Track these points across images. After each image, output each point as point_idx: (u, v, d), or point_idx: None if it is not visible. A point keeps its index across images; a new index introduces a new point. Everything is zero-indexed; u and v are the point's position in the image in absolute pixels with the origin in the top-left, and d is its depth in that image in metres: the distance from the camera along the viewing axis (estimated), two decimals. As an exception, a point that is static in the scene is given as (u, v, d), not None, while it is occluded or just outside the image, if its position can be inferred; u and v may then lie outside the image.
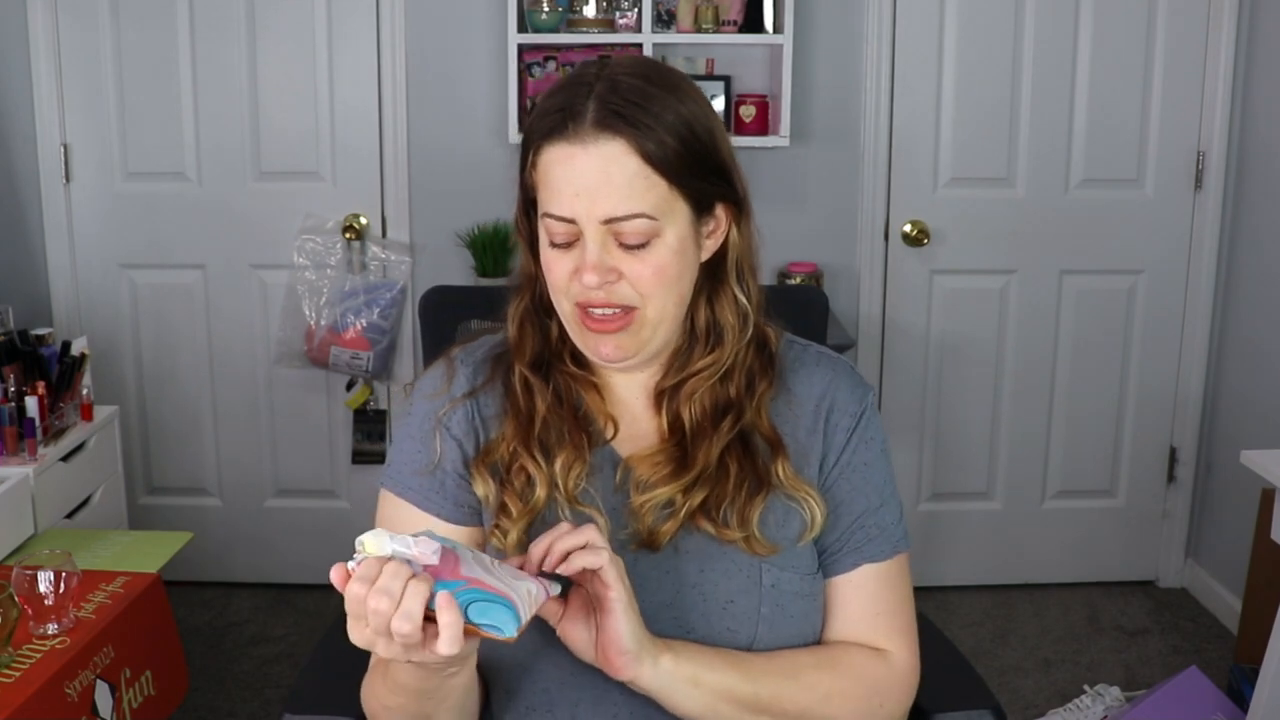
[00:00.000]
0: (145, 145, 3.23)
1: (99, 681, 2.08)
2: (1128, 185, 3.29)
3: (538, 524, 1.18)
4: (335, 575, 0.98)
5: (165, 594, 2.38)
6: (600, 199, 1.12)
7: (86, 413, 2.77)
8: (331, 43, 3.19)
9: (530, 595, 1.02)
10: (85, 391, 2.77)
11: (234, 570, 3.44)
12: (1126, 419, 3.42)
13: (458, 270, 3.22)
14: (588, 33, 3.09)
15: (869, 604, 1.24)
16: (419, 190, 3.25)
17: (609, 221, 1.13)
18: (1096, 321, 3.36)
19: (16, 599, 1.97)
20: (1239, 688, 2.62)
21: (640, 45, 3.05)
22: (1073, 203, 3.29)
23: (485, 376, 1.26)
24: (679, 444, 1.21)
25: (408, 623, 0.94)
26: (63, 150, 3.22)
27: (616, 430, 1.23)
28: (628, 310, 1.16)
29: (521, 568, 1.07)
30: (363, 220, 3.26)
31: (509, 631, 0.98)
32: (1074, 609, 3.36)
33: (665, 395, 1.24)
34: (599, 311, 1.16)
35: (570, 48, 3.10)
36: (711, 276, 1.23)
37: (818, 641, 1.23)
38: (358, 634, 0.98)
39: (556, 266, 1.16)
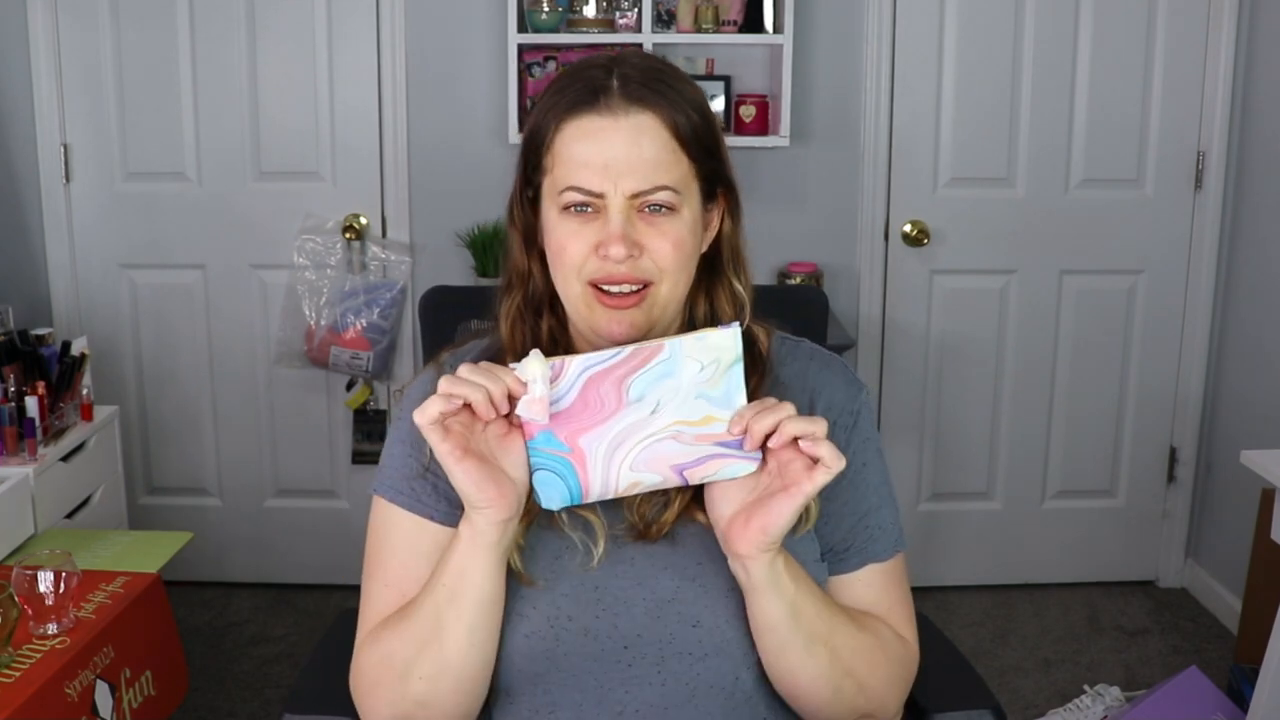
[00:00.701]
0: (145, 145, 3.23)
1: (99, 681, 2.08)
2: (1128, 185, 3.29)
3: (534, 525, 1.18)
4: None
5: (165, 594, 2.38)
6: (630, 171, 1.13)
7: (86, 413, 2.77)
8: (331, 43, 3.19)
9: (637, 484, 1.11)
10: (85, 391, 2.77)
11: (234, 570, 3.44)
12: (1126, 419, 3.42)
13: (458, 270, 3.22)
14: (588, 33, 3.09)
15: (879, 600, 1.25)
16: (419, 190, 3.25)
17: (636, 195, 1.14)
18: (1096, 321, 3.36)
19: (16, 599, 1.97)
20: (1239, 688, 2.62)
21: (640, 45, 3.05)
22: (1073, 203, 3.29)
23: None
24: None
25: (497, 384, 1.06)
26: (63, 150, 3.22)
27: None
28: (644, 286, 1.17)
29: (744, 433, 1.09)
30: (363, 220, 3.26)
31: (544, 504, 1.12)
32: (1074, 609, 3.36)
33: None
34: (614, 289, 1.16)
35: (570, 48, 3.10)
36: (709, 269, 1.24)
37: None
38: (435, 406, 1.05)
39: (573, 243, 1.16)
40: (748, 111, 3.15)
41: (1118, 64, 3.21)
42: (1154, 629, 3.26)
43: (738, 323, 1.12)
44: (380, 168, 3.25)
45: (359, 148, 3.24)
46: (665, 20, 3.13)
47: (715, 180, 1.21)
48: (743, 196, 1.25)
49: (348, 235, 3.23)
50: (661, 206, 1.15)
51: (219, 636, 3.18)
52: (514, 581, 1.16)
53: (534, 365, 1.07)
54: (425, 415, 1.06)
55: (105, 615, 2.14)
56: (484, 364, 1.09)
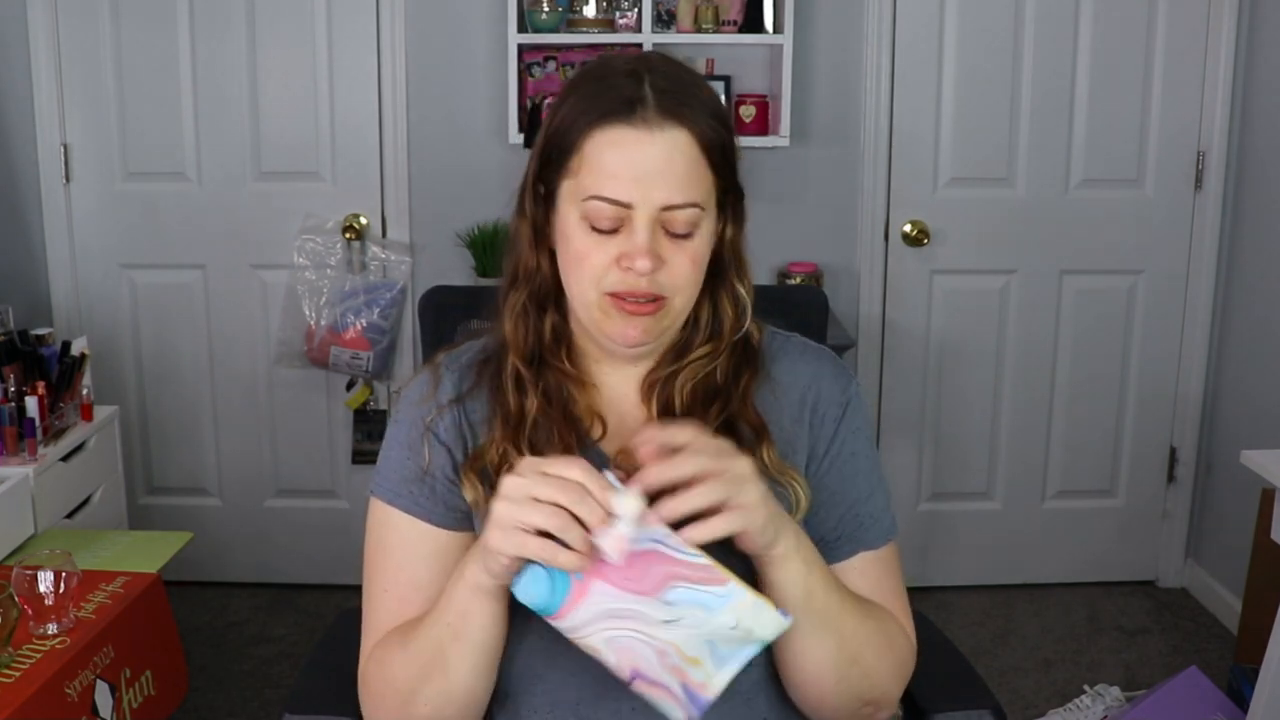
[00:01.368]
0: (145, 145, 3.23)
1: (99, 681, 2.08)
2: (1128, 185, 3.29)
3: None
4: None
5: (165, 594, 2.38)
6: (661, 185, 1.13)
7: (86, 413, 2.77)
8: (331, 43, 3.19)
9: (597, 652, 1.06)
10: (85, 391, 2.77)
11: (234, 570, 3.44)
12: (1126, 419, 3.42)
13: (458, 270, 3.22)
14: (588, 33, 3.09)
15: (875, 589, 1.25)
16: (419, 190, 3.25)
17: (666, 209, 1.14)
18: (1096, 321, 3.36)
19: (16, 599, 1.97)
20: (1239, 688, 2.62)
21: (640, 45, 3.05)
22: (1073, 203, 3.29)
23: (471, 382, 1.26)
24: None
25: (593, 512, 1.00)
26: (63, 150, 3.22)
27: (605, 430, 1.23)
28: (658, 299, 1.17)
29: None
30: (363, 220, 3.26)
31: (516, 591, 1.05)
32: (1074, 609, 3.36)
33: (657, 385, 1.25)
34: (633, 297, 1.16)
35: (570, 48, 3.10)
36: (711, 272, 1.23)
37: None
38: (534, 517, 1.01)
39: (595, 253, 1.16)
40: (748, 111, 3.15)
41: (1118, 64, 3.21)
42: (1154, 629, 3.26)
43: (791, 618, 1.07)
44: (380, 168, 3.25)
45: (359, 148, 3.24)
46: (665, 20, 3.13)
47: (729, 190, 1.21)
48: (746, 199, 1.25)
49: (348, 235, 3.23)
50: (684, 230, 1.15)
51: (219, 636, 3.17)
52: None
53: (631, 504, 1.02)
54: (526, 522, 1.01)
55: (105, 615, 2.14)
56: (581, 467, 1.02)
